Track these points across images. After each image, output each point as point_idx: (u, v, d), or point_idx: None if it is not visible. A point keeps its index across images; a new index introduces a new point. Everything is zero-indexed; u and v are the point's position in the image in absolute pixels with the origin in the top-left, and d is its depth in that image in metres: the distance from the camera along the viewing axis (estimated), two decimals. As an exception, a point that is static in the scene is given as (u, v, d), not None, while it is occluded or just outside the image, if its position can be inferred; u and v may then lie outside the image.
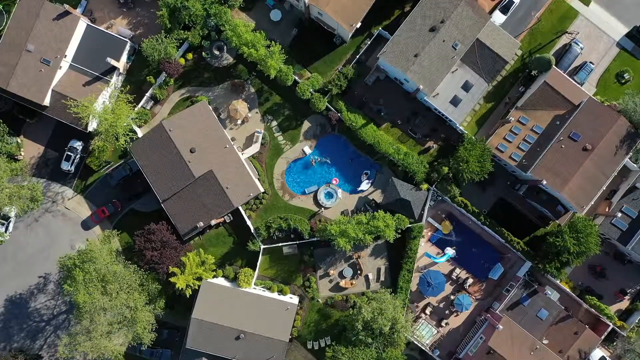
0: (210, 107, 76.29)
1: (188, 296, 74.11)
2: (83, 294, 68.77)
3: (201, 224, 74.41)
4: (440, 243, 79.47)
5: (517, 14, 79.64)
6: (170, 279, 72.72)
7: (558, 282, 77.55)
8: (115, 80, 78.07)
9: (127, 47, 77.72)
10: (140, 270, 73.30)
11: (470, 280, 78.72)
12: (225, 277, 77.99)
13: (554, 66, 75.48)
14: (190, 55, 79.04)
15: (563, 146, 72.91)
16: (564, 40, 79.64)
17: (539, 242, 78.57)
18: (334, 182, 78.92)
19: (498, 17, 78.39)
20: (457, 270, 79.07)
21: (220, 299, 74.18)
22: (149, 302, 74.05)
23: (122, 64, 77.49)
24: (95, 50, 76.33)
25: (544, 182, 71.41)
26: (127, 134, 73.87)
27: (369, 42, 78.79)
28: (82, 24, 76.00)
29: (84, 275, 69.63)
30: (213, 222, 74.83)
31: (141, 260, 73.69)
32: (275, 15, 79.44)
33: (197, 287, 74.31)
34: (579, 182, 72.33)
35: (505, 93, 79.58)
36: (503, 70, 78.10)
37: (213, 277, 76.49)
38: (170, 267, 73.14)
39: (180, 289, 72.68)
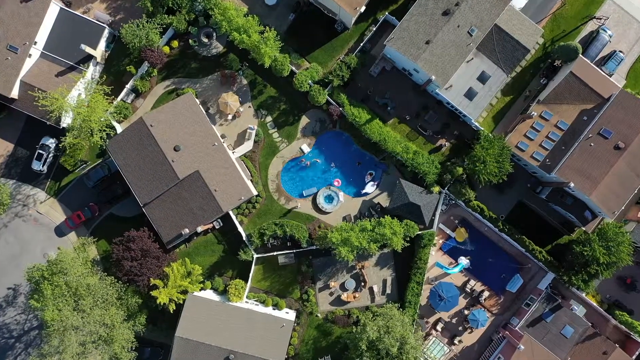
0: (196, 100, 68.49)
1: (172, 311, 66.24)
2: (51, 311, 61.07)
3: (187, 230, 66.65)
4: (453, 252, 71.84)
5: (538, -3, 71.98)
6: (151, 292, 64.81)
7: (584, 295, 69.84)
8: (92, 71, 70.40)
9: (105, 34, 70.08)
10: (118, 283, 65.50)
11: (486, 294, 71.18)
12: (214, 289, 70.34)
13: (580, 55, 67.76)
14: (175, 43, 71.32)
15: (592, 144, 65.29)
16: (590, 27, 71.96)
17: (562, 251, 71.03)
18: (335, 183, 71.12)
19: (518, 1, 70.68)
20: (472, 282, 71.50)
21: (207, 315, 66.40)
22: (128, 317, 66.44)
23: (99, 52, 69.78)
24: (70, 37, 68.83)
25: (572, 185, 63.63)
26: (104, 130, 66.11)
27: (374, 29, 71.06)
28: (54, 8, 68.34)
29: (53, 289, 61.88)
30: (200, 229, 66.99)
31: (119, 272, 65.91)
32: (270, -2, 71.82)
33: (182, 302, 66.46)
34: (610, 184, 64.69)
35: (525, 85, 71.98)
36: (523, 60, 70.28)
37: (200, 290, 68.72)
38: (151, 279, 65.37)
39: (162, 303, 64.83)
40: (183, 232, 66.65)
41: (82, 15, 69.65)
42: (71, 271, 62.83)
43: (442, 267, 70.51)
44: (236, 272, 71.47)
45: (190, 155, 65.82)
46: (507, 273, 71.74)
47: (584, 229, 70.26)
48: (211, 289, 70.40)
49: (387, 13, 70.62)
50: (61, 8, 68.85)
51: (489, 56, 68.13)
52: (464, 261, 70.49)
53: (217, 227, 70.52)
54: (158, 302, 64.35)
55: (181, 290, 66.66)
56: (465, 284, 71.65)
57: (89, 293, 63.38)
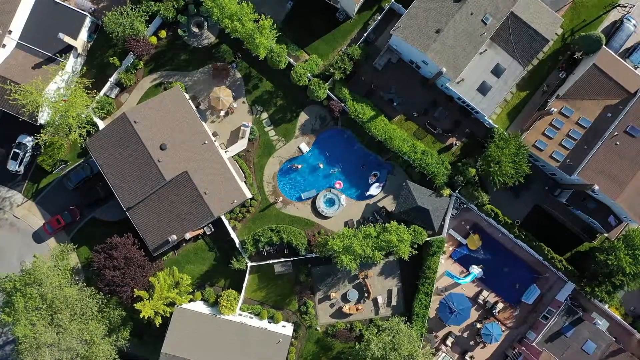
0: (185, 94, 62.92)
1: (158, 325, 60.57)
2: (23, 326, 55.39)
3: (174, 237, 61.06)
4: (464, 260, 66.25)
5: (557, -16, 66.40)
6: (135, 305, 59.17)
7: (607, 307, 64.24)
8: (73, 63, 64.79)
9: (87, 23, 64.59)
10: (99, 294, 59.91)
11: (500, 305, 65.65)
12: (205, 300, 64.77)
13: (604, 46, 62.16)
14: (163, 33, 65.80)
15: (618, 143, 59.79)
16: (613, 16, 66.39)
17: (583, 260, 65.50)
18: (337, 186, 65.51)
19: (535, -12, 65.07)
20: (485, 293, 65.99)
21: (197, 329, 60.75)
22: (110, 332, 60.82)
23: (80, 42, 64.22)
24: (48, 26, 63.40)
25: (596, 188, 57.98)
26: (83, 127, 60.53)
27: (379, 18, 65.49)
28: (31, -7, 62.68)
29: (26, 301, 56.26)
30: (188, 236, 61.29)
31: (100, 282, 60.34)
32: (267, -15, 66.20)
33: (169, 315, 60.82)
34: (638, 187, 59.02)
35: (542, 79, 66.45)
36: (540, 52, 64.71)
37: (189, 302, 63.09)
38: (135, 289, 59.78)
39: (147, 317, 59.22)
40: (170, 239, 61.05)
41: (62, 3, 64.05)
42: (46, 282, 57.23)
43: (452, 276, 64.95)
44: (229, 282, 65.85)
45: (178, 155, 60.20)
46: (523, 283, 66.19)
47: (606, 235, 64.79)
48: (201, 300, 64.85)
49: (392, 1, 65.04)
50: (39, -6, 63.34)
51: (504, 47, 62.63)
52: (476, 270, 64.94)
53: (208, 233, 64.95)
54: (141, 315, 58.69)
55: (168, 302, 61.03)
56: (477, 294, 66.07)
57: (66, 306, 57.77)
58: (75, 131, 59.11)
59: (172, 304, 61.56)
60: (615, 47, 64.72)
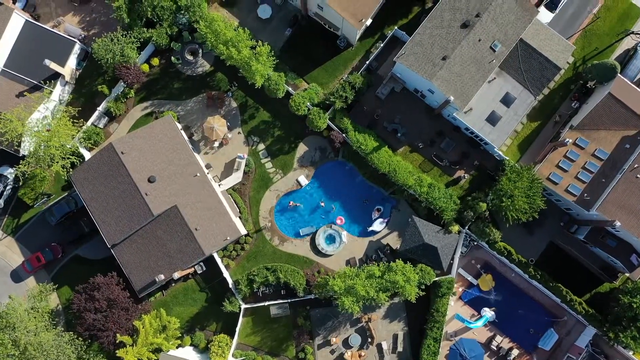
0: (176, 123, 59.40)
1: (143, 374, 55.39)
2: (-8, 376, 50.35)
3: (162, 277, 56.47)
4: (476, 302, 61.46)
5: (566, 11, 63.84)
6: (117, 351, 54.10)
7: (631, 354, 59.11)
8: (61, 91, 61.63)
9: (76, 50, 61.77)
10: (78, 340, 54.98)
11: (516, 352, 60.55)
12: (194, 346, 59.73)
13: (619, 74, 59.08)
14: (156, 61, 62.79)
15: (639, 176, 55.73)
16: (626, 43, 63.59)
17: (603, 301, 60.66)
18: (338, 222, 61.31)
19: (544, 16, 62.57)
20: (498, 338, 60.96)
21: (184, 379, 55.47)
22: (90, 381, 55.49)
23: (68, 70, 61.23)
24: (35, 53, 60.35)
25: (617, 224, 53.72)
26: (67, 158, 56.76)
27: (381, 45, 62.68)
28: (18, 19, 60.03)
29: (-4, 348, 51.37)
30: (176, 276, 56.64)
31: (80, 326, 55.45)
32: (264, 11, 63.58)
33: (154, 362, 55.79)
34: (663, 223, 54.88)
35: (554, 109, 63.18)
36: (551, 81, 61.64)
37: (177, 347, 58.00)
38: (118, 334, 54.81)
39: (130, 365, 54.15)
40: (157, 279, 56.43)
41: (49, 29, 61.28)
42: (20, 326, 52.48)
43: (463, 320, 60.03)
44: (221, 326, 60.83)
45: (167, 188, 56.21)
46: (539, 327, 61.20)
47: (628, 275, 60.12)
48: (191, 345, 59.74)
49: (396, 28, 62.35)
50: (26, 21, 60.56)
51: (514, 75, 59.56)
52: (488, 313, 60.07)
53: (199, 272, 60.42)
54: (124, 364, 53.66)
55: (154, 348, 55.95)
56: (490, 340, 60.98)
57: (41, 353, 52.78)
58: (57, 162, 55.27)
59: (158, 350, 56.49)
60: (630, 75, 61.61)
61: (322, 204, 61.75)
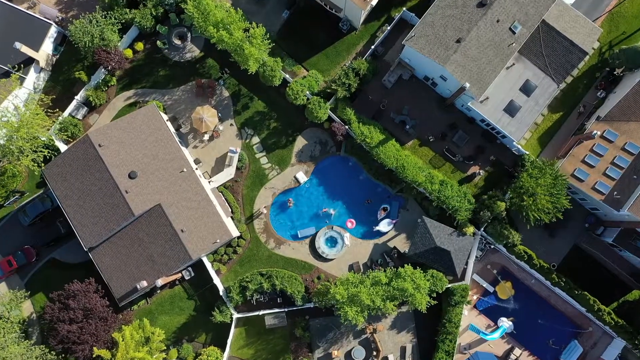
0: (161, 113, 53.71)
1: (123, 391, 49.83)
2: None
3: (144, 283, 50.85)
4: (492, 311, 55.96)
5: (592, -8, 58.39)
6: (93, 367, 48.68)
7: (664, 370, 53.63)
8: (35, 78, 56.04)
9: (52, 33, 56.28)
10: (51, 354, 49.47)
11: (536, 366, 54.90)
12: (181, 359, 53.96)
13: (651, 60, 53.55)
14: (140, 45, 57.24)
15: (675, 172, 50.29)
16: (657, 27, 57.98)
17: (632, 310, 55.12)
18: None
19: (566, -4, 56.98)
20: (517, 351, 55.61)
21: (169, 397, 49.92)
22: (65, 399, 49.98)
23: (43, 54, 55.72)
24: (6, 36, 54.70)
25: (653, 226, 48.18)
26: (40, 151, 51.18)
27: (388, 29, 57.10)
28: (-14, -1, 54.43)
29: (-43, 364, 45.83)
30: (160, 283, 50.98)
31: (53, 338, 49.89)
32: (260, -8, 58.09)
33: (135, 378, 50.17)
34: (703, 225, 49.30)
35: (577, 99, 57.65)
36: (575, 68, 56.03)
37: (162, 361, 52.44)
38: (95, 348, 49.30)
39: (108, 382, 48.63)
40: (140, 286, 50.82)
41: (23, 10, 55.73)
42: (-15, 338, 46.92)
43: (477, 331, 54.52)
44: (211, 337, 55.32)
45: (150, 185, 50.59)
46: (561, 339, 55.74)
47: (661, 282, 54.64)
48: (177, 358, 54.17)
49: (404, 9, 56.74)
50: (-3, 0, 55.11)
51: (535, 61, 53.98)
52: (505, 324, 54.64)
53: (186, 278, 54.83)
54: (101, 382, 48.13)
55: (135, 363, 50.40)
56: (507, 353, 55.48)
57: (8, 369, 47.24)
58: (28, 156, 49.66)
59: (140, 365, 50.88)
60: (662, 62, 56.07)
61: (324, 210, 56.15)
